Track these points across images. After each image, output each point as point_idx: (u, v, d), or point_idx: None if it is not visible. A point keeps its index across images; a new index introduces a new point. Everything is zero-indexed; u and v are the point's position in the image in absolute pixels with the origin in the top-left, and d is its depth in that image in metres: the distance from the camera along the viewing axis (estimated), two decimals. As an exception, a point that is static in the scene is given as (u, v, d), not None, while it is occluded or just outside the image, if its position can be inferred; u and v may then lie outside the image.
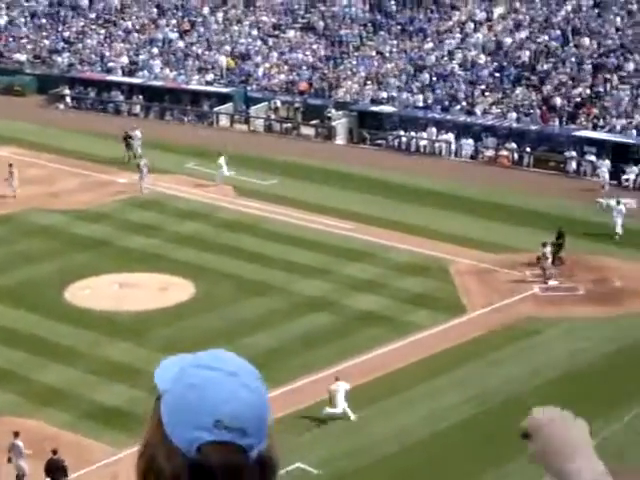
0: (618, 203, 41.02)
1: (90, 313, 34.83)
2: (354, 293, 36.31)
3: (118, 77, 61.40)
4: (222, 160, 47.08)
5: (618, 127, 50.21)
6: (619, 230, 40.31)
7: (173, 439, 2.29)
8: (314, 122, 55.92)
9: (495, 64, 56.00)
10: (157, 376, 2.34)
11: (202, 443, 2.27)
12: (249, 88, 59.19)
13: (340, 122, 55.21)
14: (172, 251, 39.70)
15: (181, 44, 62.86)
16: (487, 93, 54.77)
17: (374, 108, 55.33)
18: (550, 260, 36.81)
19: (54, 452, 25.53)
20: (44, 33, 66.20)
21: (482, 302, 35.91)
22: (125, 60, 62.51)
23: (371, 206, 44.43)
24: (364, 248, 40.18)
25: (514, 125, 52.35)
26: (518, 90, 54.38)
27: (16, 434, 26.18)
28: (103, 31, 65.49)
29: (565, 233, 38.67)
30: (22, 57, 64.46)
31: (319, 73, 58.64)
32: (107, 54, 63.15)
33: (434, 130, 53.20)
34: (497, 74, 55.38)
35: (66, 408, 28.86)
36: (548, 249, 36.86)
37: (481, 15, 59.15)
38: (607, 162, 47.12)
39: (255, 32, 62.82)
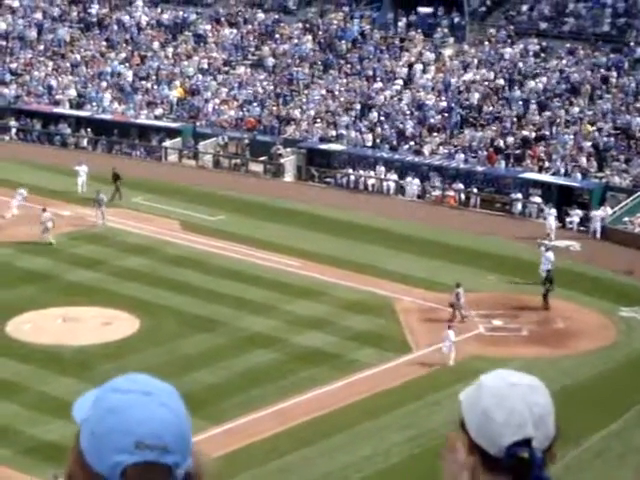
0: (547, 250, 40.72)
1: (32, 347, 34.36)
2: (299, 330, 36.22)
3: (65, 110, 61.06)
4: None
5: (562, 170, 50.87)
6: (542, 273, 39.81)
7: (95, 466, 2.25)
8: (263, 159, 55.98)
9: (443, 104, 56.55)
10: (75, 409, 2.31)
11: (126, 466, 2.23)
12: (198, 123, 59.16)
13: (289, 159, 55.33)
14: (117, 285, 39.36)
15: (130, 78, 62.74)
16: (435, 133, 55.24)
17: (323, 146, 55.54)
18: (463, 300, 37.01)
19: None
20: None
21: (427, 341, 35.98)
22: (73, 93, 62.23)
23: (318, 243, 44.46)
24: (311, 285, 40.15)
25: (461, 165, 52.82)
26: (466, 131, 54.93)
27: None
28: (51, 63, 65.18)
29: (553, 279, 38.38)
30: (-32, 88, 63.98)
31: (268, 110, 58.80)
32: (55, 86, 62.84)
33: (382, 169, 53.51)
34: (445, 114, 55.92)
35: (5, 443, 28.36)
36: (461, 290, 37.01)
37: (430, 56, 59.77)
38: (554, 210, 47.40)
39: (205, 67, 62.90)
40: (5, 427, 29.19)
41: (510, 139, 53.33)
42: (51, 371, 32.65)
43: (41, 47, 66.77)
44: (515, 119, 54.46)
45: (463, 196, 51.49)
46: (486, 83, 57.15)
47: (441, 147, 54.41)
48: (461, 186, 51.70)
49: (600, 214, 47.52)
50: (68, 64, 64.76)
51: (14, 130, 60.29)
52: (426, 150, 54.37)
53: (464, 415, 2.73)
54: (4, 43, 67.31)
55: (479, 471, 2.62)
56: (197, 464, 2.33)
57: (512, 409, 2.61)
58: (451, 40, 60.84)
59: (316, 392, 32.00)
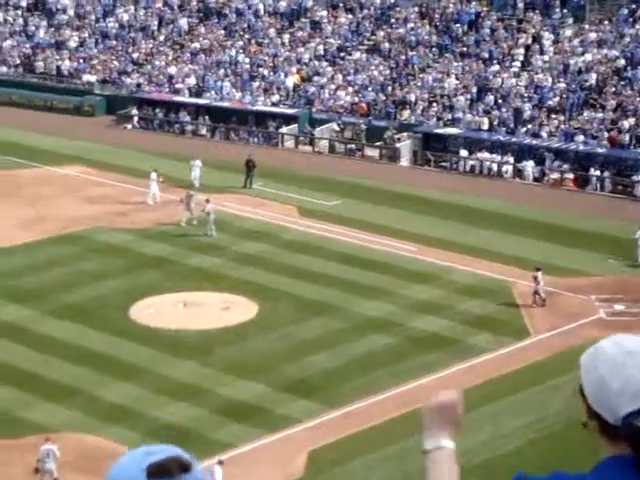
0: None
1: (154, 331, 35.19)
2: (416, 315, 36.24)
3: (185, 98, 62.12)
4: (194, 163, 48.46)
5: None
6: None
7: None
8: (378, 144, 56.02)
9: (562, 86, 55.68)
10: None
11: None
12: (314, 109, 59.51)
13: (404, 144, 55.24)
14: (236, 270, 39.98)
15: (247, 65, 63.44)
16: (553, 115, 54.43)
17: (438, 130, 55.29)
18: (542, 284, 36.53)
19: None
20: (114, 55, 67.26)
21: (546, 326, 35.62)
22: (192, 81, 63.25)
23: (434, 228, 44.35)
24: (426, 270, 40.11)
25: (581, 147, 51.94)
26: (585, 112, 53.97)
27: (47, 439, 26.40)
28: (171, 52, 66.35)
29: None
30: (92, 78, 65.52)
31: (384, 95, 58.77)
32: (175, 75, 63.96)
33: (499, 152, 53.02)
34: (564, 96, 55.06)
35: (128, 425, 29.15)
36: (540, 274, 36.53)
37: (548, 37, 58.86)
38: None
39: (321, 53, 63.18)
40: (129, 409, 30.00)
41: (632, 120, 52.19)
42: (172, 355, 33.39)
43: (162, 37, 68.00)
44: (637, 99, 53.27)
45: (582, 179, 50.65)
46: (607, 64, 56.01)
47: (559, 129, 53.61)
48: (580, 168, 50.85)
49: None
50: (188, 53, 65.83)
51: (136, 119, 61.62)
52: (544, 132, 53.64)
53: (583, 380, 2.73)
54: (126, 33, 68.79)
55: (600, 437, 2.62)
56: None
57: (628, 378, 2.59)
58: (570, 20, 59.78)
59: (433, 377, 32.00)
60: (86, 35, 69.28)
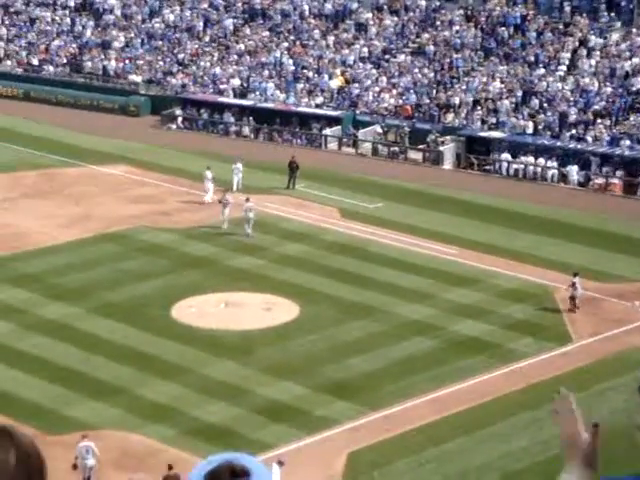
0: None
1: (196, 331, 35.36)
2: (457, 318, 36.13)
3: (229, 99, 62.37)
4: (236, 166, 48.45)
5: None
6: None
7: None
8: (421, 146, 55.92)
9: (608, 90, 55.26)
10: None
11: None
12: (358, 111, 59.53)
13: (448, 147, 55.10)
14: (277, 271, 40.08)
15: (292, 67, 63.57)
16: (599, 120, 54.04)
17: (482, 133, 55.08)
18: (580, 290, 36.27)
19: (170, 467, 25.61)
20: (159, 55, 67.68)
21: (589, 331, 35.38)
22: (237, 82, 63.48)
23: (476, 231, 44.21)
24: (468, 273, 39.98)
25: (627, 152, 51.51)
26: (632, 117, 53.52)
27: (84, 436, 26.57)
28: (216, 53, 66.65)
29: None
30: (137, 78, 65.98)
31: (428, 97, 58.66)
32: (219, 76, 64.23)
33: (543, 156, 52.74)
34: (610, 100, 54.64)
35: (169, 424, 29.33)
36: (577, 279, 36.29)
37: (595, 40, 58.46)
38: None
39: (366, 55, 63.19)
40: (170, 408, 30.17)
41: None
42: (214, 354, 33.54)
43: (207, 38, 68.32)
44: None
45: (628, 184, 50.21)
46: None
47: (605, 133, 53.20)
48: (626, 174, 50.43)
49: None
50: (233, 54, 66.11)
51: (180, 119, 61.96)
52: (589, 137, 53.27)
53: None
54: (172, 34, 69.19)
55: None
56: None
57: None
58: (618, 24, 59.30)
59: (473, 381, 31.89)
60: (132, 35, 69.77)
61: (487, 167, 53.84)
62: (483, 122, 56.09)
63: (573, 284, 36.57)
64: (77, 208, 47.08)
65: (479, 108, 56.82)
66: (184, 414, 29.87)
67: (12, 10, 74.10)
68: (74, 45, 70.00)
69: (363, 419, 29.53)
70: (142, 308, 36.91)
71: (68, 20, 72.43)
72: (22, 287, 38.38)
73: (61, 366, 32.55)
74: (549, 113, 55.17)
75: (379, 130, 57.68)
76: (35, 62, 69.21)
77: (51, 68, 68.54)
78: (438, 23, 63.32)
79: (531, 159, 53.06)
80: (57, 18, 72.73)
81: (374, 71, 61.76)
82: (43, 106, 64.36)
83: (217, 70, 64.65)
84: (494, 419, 29.47)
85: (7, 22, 73.15)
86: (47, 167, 52.92)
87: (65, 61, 68.92)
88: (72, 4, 73.72)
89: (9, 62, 69.63)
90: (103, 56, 68.29)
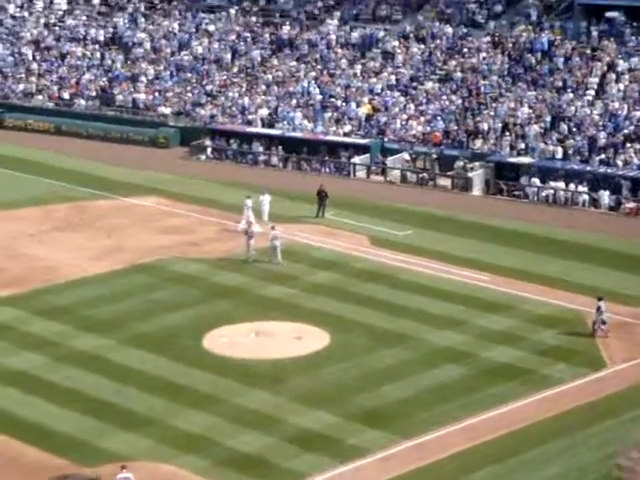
0: None
1: (227, 361, 35.40)
2: (489, 345, 35.98)
3: (258, 129, 62.68)
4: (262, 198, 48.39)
5: None
6: None
7: None
8: (450, 173, 55.90)
9: (638, 114, 55.05)
10: None
11: None
12: (385, 139, 59.65)
13: (476, 173, 55.05)
14: (308, 300, 40.11)
15: (319, 96, 63.83)
16: (628, 144, 53.85)
17: (511, 159, 55.01)
18: (605, 314, 36.08)
19: None
20: (188, 87, 68.18)
21: (622, 356, 35.12)
22: (265, 112, 63.81)
23: (506, 257, 44.11)
24: (499, 299, 39.84)
25: (657, 176, 51.28)
26: (661, 140, 53.32)
27: (123, 467, 26.65)
28: (244, 84, 67.06)
29: None
30: (166, 110, 66.49)
31: (456, 124, 58.70)
32: (247, 106, 64.57)
33: (573, 181, 52.57)
34: (639, 124, 54.44)
35: (202, 454, 29.32)
36: (602, 304, 36.10)
37: (623, 65, 58.34)
38: None
39: (393, 83, 63.35)
40: (202, 438, 30.17)
41: None
42: (245, 384, 33.55)
43: (235, 69, 68.78)
44: None
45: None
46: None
47: (635, 157, 52.99)
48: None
49: None
50: (261, 84, 66.51)
51: (209, 150, 62.32)
52: (619, 161, 53.08)
53: None
54: (200, 66, 69.71)
55: None
56: None
57: None
58: (645, 47, 59.20)
59: (506, 408, 31.69)
60: (161, 68, 70.37)
61: (516, 193, 53.72)
62: (512, 148, 56.04)
63: (598, 308, 36.39)
64: (108, 240, 47.39)
65: (507, 134, 56.78)
66: (217, 444, 29.87)
67: (43, 46, 74.98)
68: (104, 79, 70.69)
69: (395, 448, 29.38)
70: (173, 338, 37.01)
71: (98, 54, 73.20)
72: (54, 319, 38.62)
73: (93, 397, 32.66)
74: (578, 138, 55.04)
75: (407, 157, 57.75)
76: (66, 96, 69.92)
77: (82, 102, 69.21)
78: (465, 50, 63.43)
79: (561, 184, 52.89)
80: (87, 52, 73.51)
81: (402, 99, 61.91)
82: (74, 139, 64.99)
83: (245, 100, 65.04)
84: (526, 447, 29.23)
85: (38, 57, 74.00)
86: (78, 200, 53.36)
87: (95, 94, 69.59)
88: (102, 39, 74.50)
89: (40, 97, 70.37)
90: (133, 89, 68.90)
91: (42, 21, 77.41)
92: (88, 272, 43.22)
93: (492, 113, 58.52)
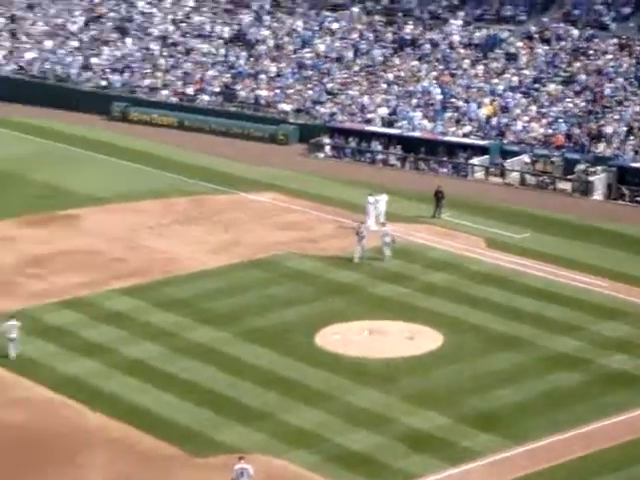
0: None
1: (340, 358, 35.60)
2: (605, 352, 35.39)
3: (377, 127, 62.76)
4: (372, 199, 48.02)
5: None
6: None
7: None
8: (571, 177, 55.08)
9: None
10: None
11: None
12: (505, 141, 59.08)
13: (598, 177, 54.11)
14: (421, 300, 40.05)
15: (440, 96, 63.57)
16: None
17: (635, 164, 53.91)
18: None
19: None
20: (309, 84, 68.66)
21: None
22: (385, 111, 63.84)
23: (627, 263, 43.30)
24: (618, 306, 39.15)
25: None
26: None
27: (241, 458, 26.97)
28: (365, 83, 67.20)
29: None
30: (287, 107, 67.09)
31: (578, 127, 57.78)
32: (367, 105, 64.69)
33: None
34: None
35: (312, 450, 29.57)
36: None
37: None
38: None
39: (516, 85, 62.71)
40: (313, 434, 30.42)
41: None
42: (357, 382, 33.69)
43: (356, 67, 68.98)
44: None
45: None
46: None
47: None
48: None
49: None
50: (381, 83, 66.56)
51: (328, 147, 62.66)
52: None
53: None
54: (322, 63, 70.13)
55: None
56: None
57: None
58: None
59: (624, 416, 31.14)
60: (283, 65, 71.03)
61: (639, 198, 52.61)
62: (636, 152, 54.92)
63: None
64: (226, 234, 48.09)
65: (632, 138, 55.67)
66: (327, 441, 30.08)
67: (170, 41, 76.45)
68: (227, 75, 71.70)
69: (507, 452, 29.16)
70: (287, 334, 37.39)
71: (222, 51, 74.28)
72: (173, 311, 39.41)
73: (208, 389, 33.24)
74: None
75: (527, 160, 57.11)
76: (190, 92, 71.14)
77: (205, 97, 70.33)
78: (591, 52, 62.38)
79: (685, 190, 51.64)
80: (212, 49, 74.67)
81: (524, 100, 61.23)
82: (196, 134, 66.07)
83: (365, 99, 65.17)
84: (643, 457, 28.71)
85: (165, 53, 75.47)
86: (198, 194, 54.28)
87: (218, 90, 70.63)
88: (226, 35, 75.58)
89: (165, 92, 71.76)
90: (255, 85, 69.72)
91: (170, 17, 78.94)
92: (207, 265, 43.95)
93: (616, 117, 57.44)
